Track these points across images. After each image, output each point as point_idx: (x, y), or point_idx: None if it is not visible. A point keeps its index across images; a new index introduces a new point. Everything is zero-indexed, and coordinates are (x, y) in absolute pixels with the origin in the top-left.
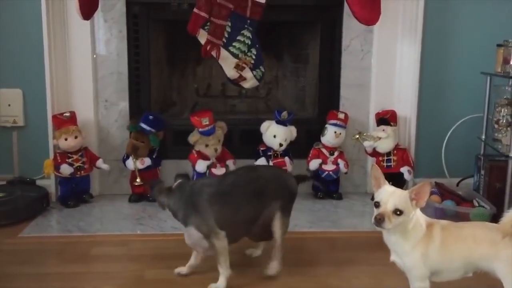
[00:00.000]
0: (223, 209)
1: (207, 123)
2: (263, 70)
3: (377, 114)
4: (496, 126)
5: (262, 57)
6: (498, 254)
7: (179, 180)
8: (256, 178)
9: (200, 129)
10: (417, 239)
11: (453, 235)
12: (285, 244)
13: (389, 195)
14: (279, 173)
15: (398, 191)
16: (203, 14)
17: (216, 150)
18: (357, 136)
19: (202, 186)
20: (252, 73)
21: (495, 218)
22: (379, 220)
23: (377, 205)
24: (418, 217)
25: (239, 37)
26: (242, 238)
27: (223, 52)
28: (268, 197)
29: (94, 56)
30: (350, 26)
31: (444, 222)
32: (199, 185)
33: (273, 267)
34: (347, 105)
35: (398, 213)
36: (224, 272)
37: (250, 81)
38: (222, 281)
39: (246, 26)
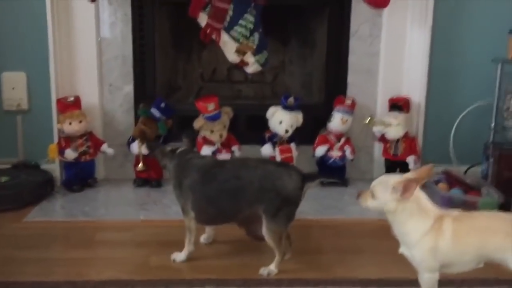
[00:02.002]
0: (199, 198)
1: (213, 108)
2: (266, 55)
3: (391, 100)
4: (506, 114)
5: (265, 42)
6: None
7: (183, 148)
8: (239, 178)
9: (206, 115)
10: (422, 231)
11: (466, 226)
12: (284, 247)
13: (375, 180)
14: (269, 174)
15: (383, 178)
16: None
17: (221, 136)
18: (368, 120)
19: (193, 168)
20: (255, 58)
21: (503, 207)
22: (357, 195)
23: None
24: (417, 209)
25: (241, 21)
26: (220, 224)
27: (224, 36)
28: (248, 199)
29: (99, 39)
30: (359, 10)
31: (455, 213)
32: (192, 165)
33: (266, 268)
34: (354, 91)
35: (372, 195)
36: (187, 247)
37: (252, 66)
38: (183, 254)
39: (249, 10)
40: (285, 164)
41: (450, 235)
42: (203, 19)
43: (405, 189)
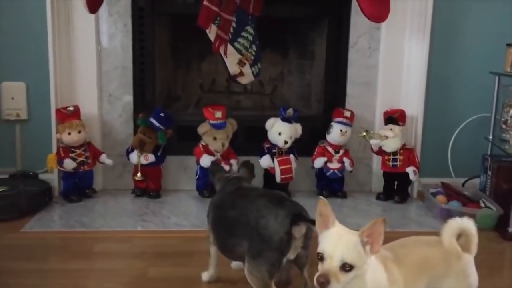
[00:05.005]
0: (211, 220)
1: (220, 116)
2: (260, 66)
3: (386, 113)
4: (504, 126)
5: (261, 53)
6: (450, 270)
7: (236, 175)
8: (235, 209)
9: (212, 121)
10: (387, 278)
11: (410, 267)
12: None
13: (334, 245)
14: (257, 209)
15: (346, 236)
16: (214, 8)
17: (223, 145)
18: (364, 134)
19: (219, 192)
20: (251, 69)
21: (502, 219)
22: (322, 284)
23: (320, 257)
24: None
25: (243, 33)
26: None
27: (229, 47)
28: (236, 233)
29: (99, 49)
30: (358, 23)
31: (387, 253)
32: (220, 189)
33: None
34: (353, 103)
35: (348, 268)
36: (210, 269)
37: (247, 77)
38: (205, 275)
39: (249, 22)
40: (279, 200)
41: (403, 279)
42: (213, 31)
43: (373, 239)
